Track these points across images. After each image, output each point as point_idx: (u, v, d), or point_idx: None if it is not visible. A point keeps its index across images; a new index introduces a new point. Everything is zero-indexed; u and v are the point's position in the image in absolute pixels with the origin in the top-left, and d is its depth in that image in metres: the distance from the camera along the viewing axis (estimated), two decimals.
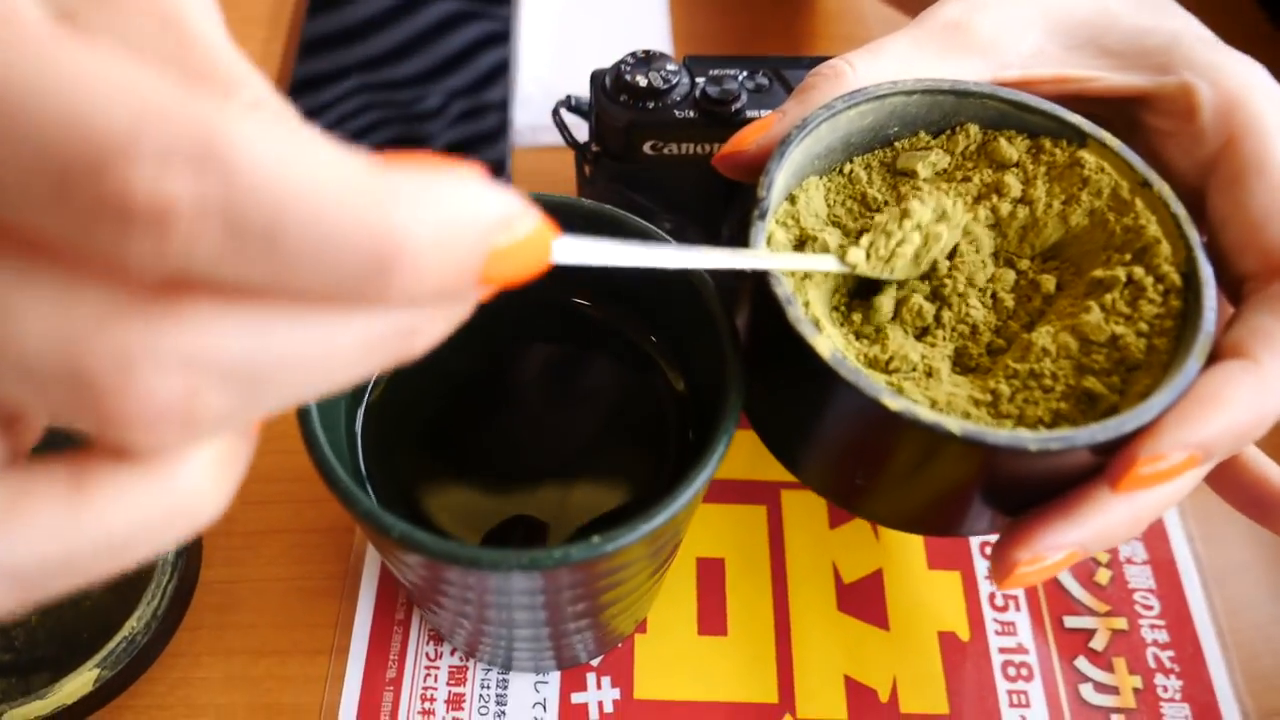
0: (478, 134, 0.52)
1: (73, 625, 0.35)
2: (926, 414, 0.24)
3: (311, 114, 0.52)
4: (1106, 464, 0.26)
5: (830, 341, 0.26)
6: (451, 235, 0.15)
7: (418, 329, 0.16)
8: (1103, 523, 0.26)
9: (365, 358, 0.16)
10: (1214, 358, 0.27)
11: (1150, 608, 0.40)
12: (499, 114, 0.53)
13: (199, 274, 0.14)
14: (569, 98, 0.42)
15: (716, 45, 0.58)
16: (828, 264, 0.28)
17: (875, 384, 0.24)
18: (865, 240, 0.28)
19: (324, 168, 0.14)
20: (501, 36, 0.56)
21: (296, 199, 0.13)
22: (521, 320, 0.33)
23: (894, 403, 0.24)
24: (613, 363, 0.32)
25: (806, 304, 0.27)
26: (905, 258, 0.29)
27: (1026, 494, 0.28)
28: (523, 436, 0.31)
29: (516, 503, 0.30)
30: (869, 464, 0.28)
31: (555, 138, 0.51)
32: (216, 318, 0.14)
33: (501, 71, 0.55)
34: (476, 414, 0.31)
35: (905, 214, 0.28)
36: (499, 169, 0.51)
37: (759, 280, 0.26)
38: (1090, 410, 0.27)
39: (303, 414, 0.26)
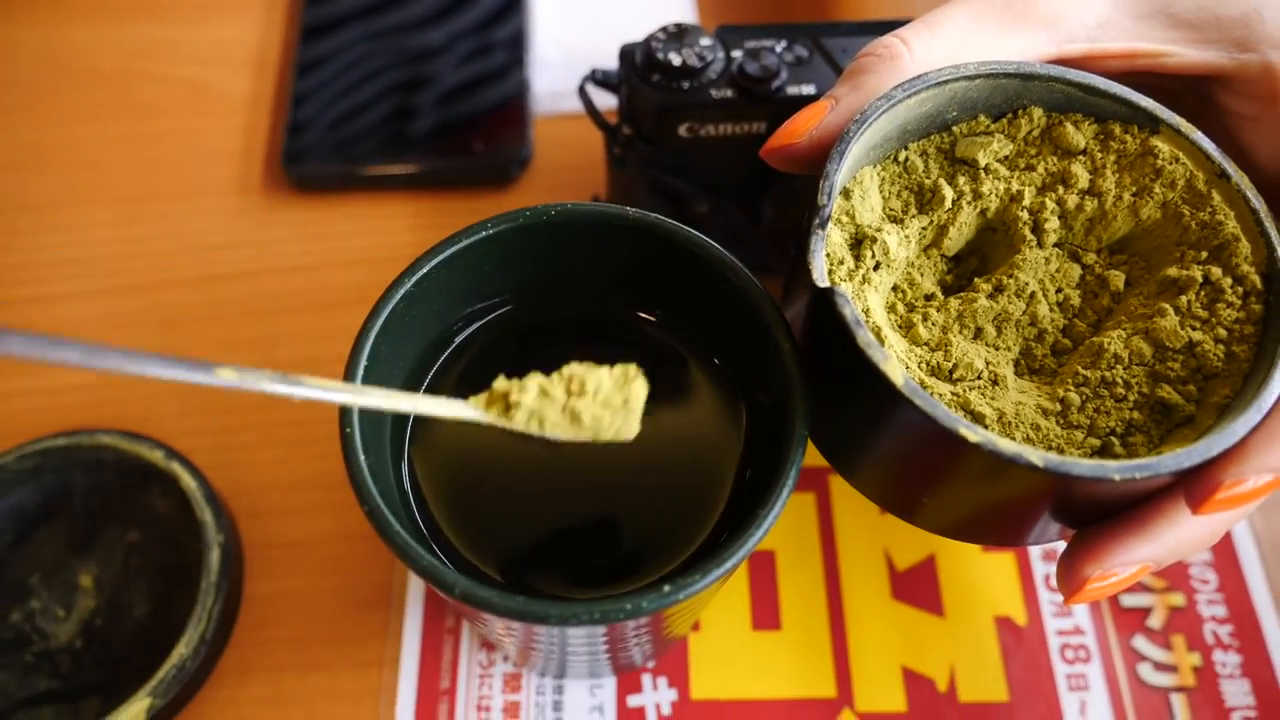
0: (487, 72, 0.50)
1: (120, 651, 0.35)
2: (1008, 446, 0.23)
3: (316, 63, 0.51)
4: (1182, 478, 0.25)
5: (900, 364, 0.25)
6: None
7: None
8: (1176, 538, 0.25)
9: None
10: None
11: (1207, 581, 0.40)
12: (508, 51, 0.51)
13: None
14: (595, 71, 0.40)
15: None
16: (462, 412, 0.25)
17: (952, 414, 0.23)
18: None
19: None
20: None
21: None
22: (584, 338, 0.31)
23: (973, 434, 0.23)
24: (672, 382, 0.30)
25: (866, 311, 0.26)
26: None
27: (1099, 511, 0.27)
28: (576, 454, 0.29)
29: (570, 516, 0.29)
30: (938, 485, 0.26)
31: (578, 104, 0.49)
32: None
33: (513, 7, 0.52)
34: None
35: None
36: (515, 105, 0.49)
37: (821, 297, 0.25)
38: (1165, 420, 0.26)
39: (350, 457, 0.24)
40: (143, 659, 0.34)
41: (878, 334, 0.26)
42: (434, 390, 0.30)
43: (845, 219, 0.27)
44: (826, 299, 0.25)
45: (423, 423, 0.29)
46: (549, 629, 0.25)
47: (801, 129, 0.29)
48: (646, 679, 0.36)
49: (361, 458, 0.24)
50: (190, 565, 0.36)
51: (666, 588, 0.23)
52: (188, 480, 0.36)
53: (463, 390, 0.30)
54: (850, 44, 0.37)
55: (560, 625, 0.22)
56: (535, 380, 0.24)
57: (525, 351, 0.30)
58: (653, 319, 0.31)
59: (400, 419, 0.29)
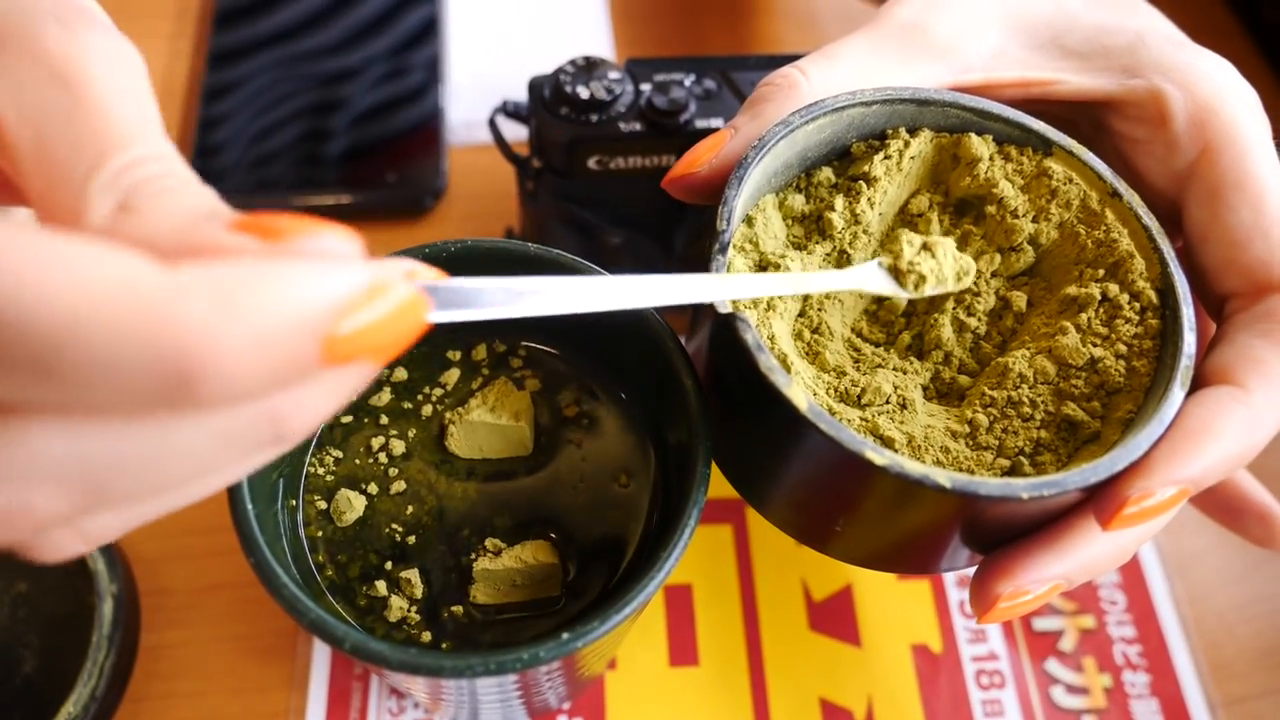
0: (400, 95, 0.50)
1: (6, 710, 0.33)
2: (915, 468, 0.23)
3: (225, 91, 0.50)
4: (1091, 495, 0.25)
5: (804, 389, 0.25)
6: (264, 334, 0.14)
7: (282, 415, 0.16)
8: (1087, 555, 0.25)
9: (224, 452, 0.15)
10: (1199, 382, 0.26)
11: (1115, 603, 0.40)
12: (424, 73, 0.51)
13: None
14: (505, 103, 0.40)
15: (656, 29, 0.56)
16: (867, 283, 0.27)
17: (858, 437, 0.23)
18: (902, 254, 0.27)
19: (98, 281, 0.13)
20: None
21: (63, 323, 0.13)
22: (487, 366, 0.31)
23: (879, 457, 0.23)
24: (582, 419, 0.30)
25: (772, 339, 0.26)
26: (949, 269, 0.27)
27: (1009, 532, 0.27)
28: (480, 488, 0.29)
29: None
30: (848, 512, 0.26)
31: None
32: (24, 431, 0.14)
33: (428, 31, 0.52)
34: (432, 465, 0.29)
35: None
36: (429, 136, 0.49)
37: (723, 322, 0.25)
38: (1072, 438, 0.26)
39: (236, 505, 0.23)
40: (31, 719, 0.32)
41: (783, 361, 0.25)
42: (331, 442, 0.29)
43: (749, 246, 0.27)
44: (728, 324, 0.24)
45: (317, 468, 0.28)
46: (454, 690, 0.24)
47: (701, 158, 0.29)
48: None
49: (249, 506, 0.23)
50: (82, 616, 0.34)
51: (565, 635, 0.22)
52: None
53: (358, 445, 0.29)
54: (758, 77, 0.37)
55: (455, 678, 0.22)
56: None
57: (429, 387, 0.30)
58: (557, 354, 0.31)
59: (294, 464, 0.28)
